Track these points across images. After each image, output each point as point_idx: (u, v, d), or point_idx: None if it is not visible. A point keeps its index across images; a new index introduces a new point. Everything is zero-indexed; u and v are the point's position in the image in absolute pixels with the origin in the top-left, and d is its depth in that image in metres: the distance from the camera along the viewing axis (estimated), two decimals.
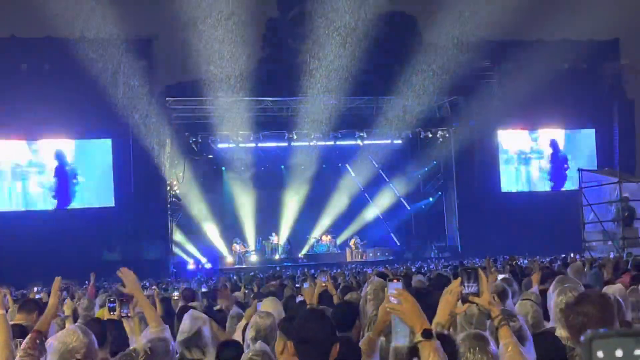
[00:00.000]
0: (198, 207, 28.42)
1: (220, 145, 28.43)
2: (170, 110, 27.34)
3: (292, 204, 29.56)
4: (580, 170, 21.19)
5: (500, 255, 18.23)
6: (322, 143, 29.03)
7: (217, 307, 7.35)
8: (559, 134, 31.06)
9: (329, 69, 26.31)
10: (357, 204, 30.27)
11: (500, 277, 6.33)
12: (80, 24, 24.69)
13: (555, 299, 4.12)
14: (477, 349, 3.02)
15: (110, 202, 26.67)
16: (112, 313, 5.09)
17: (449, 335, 3.19)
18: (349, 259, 27.38)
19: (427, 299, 6.02)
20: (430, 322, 3.32)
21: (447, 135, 29.61)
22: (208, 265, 27.46)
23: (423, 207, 31.46)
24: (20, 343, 4.21)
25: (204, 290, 10.67)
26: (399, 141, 29.80)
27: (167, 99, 26.96)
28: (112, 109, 25.54)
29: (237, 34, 25.47)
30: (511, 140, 30.68)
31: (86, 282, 15.45)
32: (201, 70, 25.72)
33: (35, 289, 8.82)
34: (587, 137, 31.09)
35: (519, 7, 25.43)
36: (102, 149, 26.89)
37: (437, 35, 27.24)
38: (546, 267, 10.21)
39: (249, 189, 29.22)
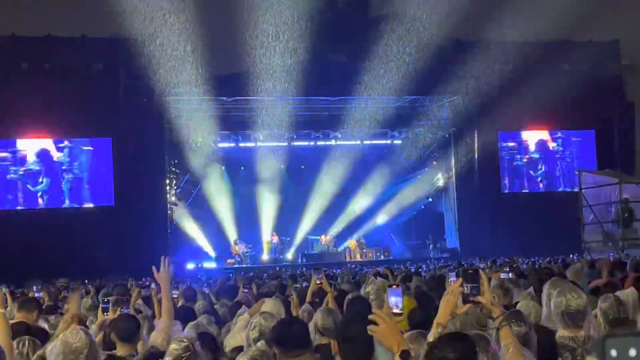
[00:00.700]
0: (198, 207, 28.40)
1: (220, 145, 28.44)
2: (171, 109, 27.28)
3: (291, 204, 29.53)
4: (580, 171, 21.17)
5: (500, 257, 18.19)
6: (322, 143, 29.08)
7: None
8: (558, 135, 31.02)
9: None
10: (357, 204, 30.25)
11: (503, 276, 6.32)
12: (80, 23, 24.70)
13: (555, 300, 4.13)
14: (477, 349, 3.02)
15: (110, 201, 26.64)
16: (105, 314, 5.07)
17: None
18: (348, 259, 27.36)
19: (427, 301, 6.04)
20: (431, 322, 3.33)
21: (447, 135, 29.62)
22: (208, 265, 27.42)
23: (423, 207, 31.45)
24: (23, 341, 4.21)
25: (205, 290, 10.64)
26: (399, 141, 29.81)
27: (167, 98, 26.91)
28: (112, 108, 25.50)
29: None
30: (511, 140, 30.65)
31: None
32: (201, 70, 25.67)
33: (35, 287, 8.81)
34: (587, 138, 31.03)
35: (519, 7, 25.44)
36: (102, 149, 26.84)
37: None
38: (547, 268, 10.21)
39: (249, 189, 29.20)
